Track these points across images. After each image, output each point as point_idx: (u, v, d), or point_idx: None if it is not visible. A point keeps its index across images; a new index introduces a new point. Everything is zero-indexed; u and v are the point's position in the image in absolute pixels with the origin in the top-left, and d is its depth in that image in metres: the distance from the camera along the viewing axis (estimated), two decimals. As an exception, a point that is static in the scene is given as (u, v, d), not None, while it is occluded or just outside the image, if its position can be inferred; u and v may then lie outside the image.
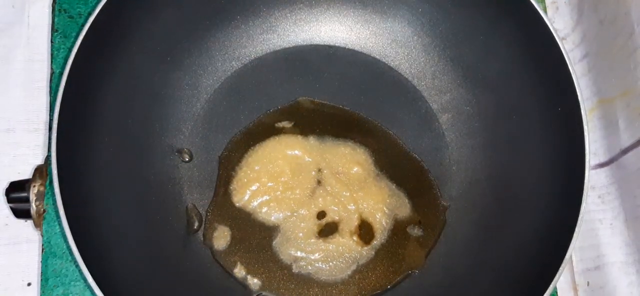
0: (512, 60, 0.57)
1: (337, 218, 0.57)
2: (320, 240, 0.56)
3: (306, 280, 0.55)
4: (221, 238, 0.56)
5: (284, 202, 0.57)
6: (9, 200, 0.55)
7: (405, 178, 0.59)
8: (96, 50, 0.51)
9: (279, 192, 0.57)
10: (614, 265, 0.59)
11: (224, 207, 0.57)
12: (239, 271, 0.55)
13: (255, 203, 0.57)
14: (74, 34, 0.60)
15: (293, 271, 0.55)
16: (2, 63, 0.65)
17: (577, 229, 0.47)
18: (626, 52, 0.59)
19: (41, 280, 0.54)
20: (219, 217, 0.56)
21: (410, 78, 0.62)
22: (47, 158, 0.56)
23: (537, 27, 0.53)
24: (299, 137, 0.59)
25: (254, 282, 0.55)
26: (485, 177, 0.58)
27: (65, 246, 0.54)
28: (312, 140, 0.59)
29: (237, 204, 0.57)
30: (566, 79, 0.51)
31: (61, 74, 0.49)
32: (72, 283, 0.54)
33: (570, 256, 0.48)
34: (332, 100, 0.61)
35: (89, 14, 0.51)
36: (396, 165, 0.59)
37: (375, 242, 0.56)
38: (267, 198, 0.57)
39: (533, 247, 0.51)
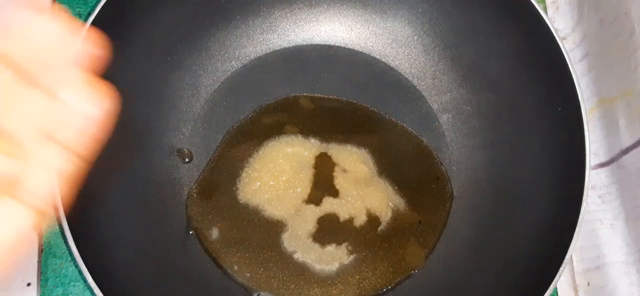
0: (512, 60, 0.57)
1: (342, 217, 0.57)
2: (322, 240, 0.56)
3: (306, 280, 0.55)
4: (221, 237, 0.56)
5: (285, 200, 0.57)
6: (9, 200, 0.55)
7: (407, 177, 0.59)
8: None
9: (280, 191, 0.57)
10: (615, 265, 0.59)
11: (223, 206, 0.57)
12: (239, 271, 0.55)
13: (256, 203, 0.57)
14: (73, 34, 0.60)
15: (293, 270, 0.55)
16: (2, 63, 0.65)
17: (577, 229, 0.47)
18: (626, 52, 0.59)
19: (41, 280, 0.54)
20: (219, 216, 0.56)
21: (410, 78, 0.62)
22: (47, 158, 0.56)
23: (537, 27, 0.53)
24: (300, 136, 0.59)
25: (253, 282, 0.54)
26: (485, 177, 0.58)
27: (65, 246, 0.54)
28: (312, 140, 0.59)
29: (237, 203, 0.57)
30: (566, 79, 0.51)
31: (61, 73, 0.49)
32: (72, 283, 0.54)
33: (571, 257, 0.48)
34: (332, 100, 0.61)
35: (89, 14, 0.51)
36: (397, 165, 0.59)
37: (378, 241, 0.56)
38: (268, 197, 0.57)
39: (533, 247, 0.51)
